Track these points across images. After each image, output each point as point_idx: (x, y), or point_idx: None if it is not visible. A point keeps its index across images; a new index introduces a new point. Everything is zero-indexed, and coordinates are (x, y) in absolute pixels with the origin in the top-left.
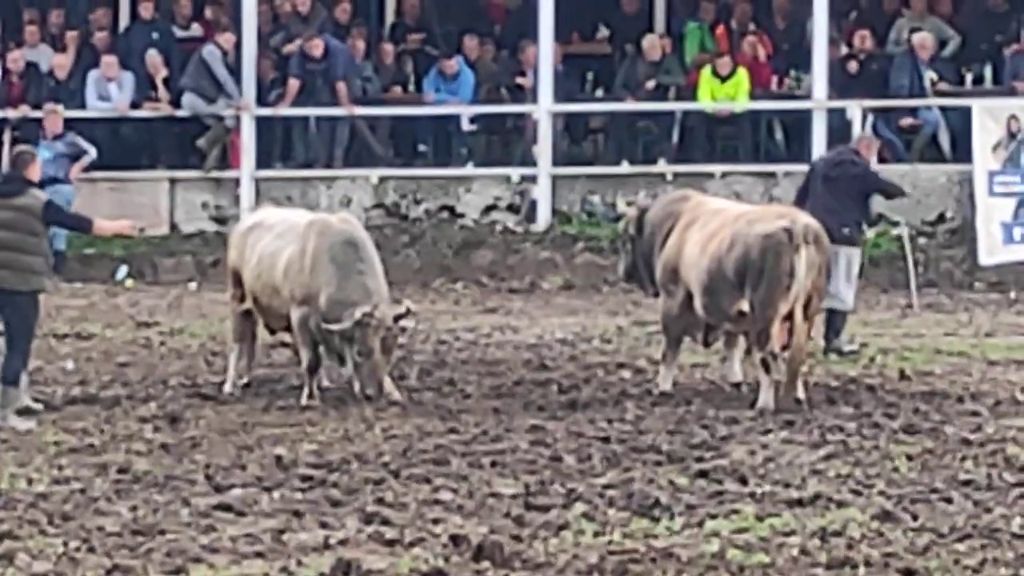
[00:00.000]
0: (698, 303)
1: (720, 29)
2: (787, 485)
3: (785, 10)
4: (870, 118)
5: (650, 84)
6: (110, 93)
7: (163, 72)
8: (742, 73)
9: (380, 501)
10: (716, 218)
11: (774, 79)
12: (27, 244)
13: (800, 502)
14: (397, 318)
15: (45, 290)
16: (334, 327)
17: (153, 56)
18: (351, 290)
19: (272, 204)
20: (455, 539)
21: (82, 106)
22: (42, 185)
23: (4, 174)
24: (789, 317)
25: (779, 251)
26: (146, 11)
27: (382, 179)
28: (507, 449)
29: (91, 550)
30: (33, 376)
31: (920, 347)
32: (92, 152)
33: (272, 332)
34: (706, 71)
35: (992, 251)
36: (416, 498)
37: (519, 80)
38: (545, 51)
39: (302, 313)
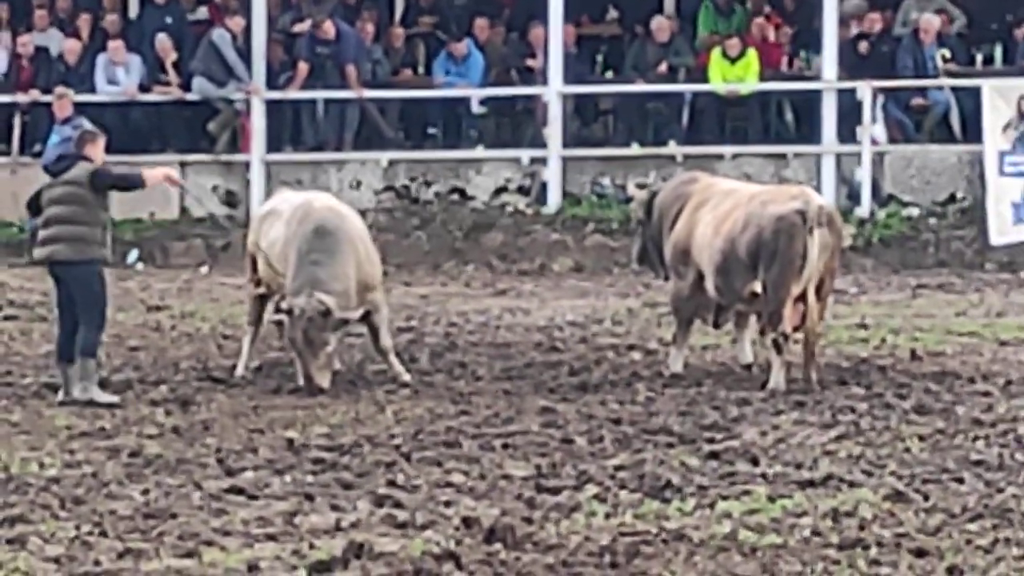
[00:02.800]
0: (710, 284)
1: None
2: (799, 466)
3: None
4: (880, 99)
5: (662, 67)
6: (118, 77)
7: (173, 56)
8: (752, 54)
9: (392, 484)
10: (729, 199)
11: (784, 60)
12: (77, 215)
13: (812, 483)
14: (324, 313)
15: (103, 260)
16: (272, 318)
17: (163, 40)
18: (300, 280)
19: (289, 188)
20: (467, 521)
21: (92, 90)
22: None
23: (59, 154)
24: (802, 298)
25: (792, 232)
26: None
27: (392, 162)
28: (518, 431)
29: (103, 534)
30: (45, 360)
31: (931, 327)
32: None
33: None
34: (716, 52)
35: (1002, 231)
36: (428, 480)
37: (529, 62)
38: (555, 33)
39: None
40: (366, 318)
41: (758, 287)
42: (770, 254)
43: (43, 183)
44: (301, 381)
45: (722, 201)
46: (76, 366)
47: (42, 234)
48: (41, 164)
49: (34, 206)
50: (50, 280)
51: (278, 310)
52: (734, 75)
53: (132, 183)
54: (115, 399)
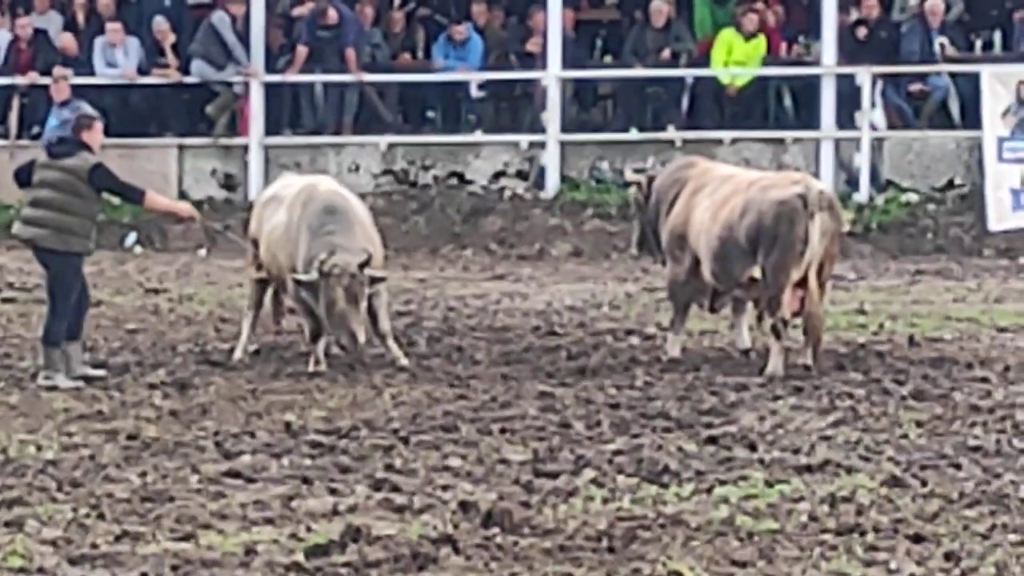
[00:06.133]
0: (707, 269)
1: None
2: (796, 451)
3: None
4: (879, 84)
5: (665, 53)
6: (117, 59)
7: (171, 38)
8: (762, 36)
9: (389, 467)
10: (727, 184)
11: (783, 45)
12: (70, 205)
13: (809, 468)
14: (361, 266)
15: (86, 252)
16: (302, 277)
17: (160, 22)
18: (318, 247)
19: (289, 172)
20: (464, 505)
21: (91, 73)
22: None
23: (60, 136)
24: (802, 284)
25: (793, 217)
26: None
27: (391, 146)
28: (516, 415)
29: (100, 516)
30: None
31: (929, 313)
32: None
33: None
34: (728, 30)
35: (1001, 217)
36: (425, 464)
37: (528, 46)
38: (554, 17)
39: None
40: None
41: (757, 272)
42: (771, 239)
43: (38, 158)
44: (343, 341)
45: (720, 187)
46: (40, 351)
47: (28, 212)
48: (41, 144)
49: (23, 176)
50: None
51: (320, 271)
52: (743, 52)
53: (131, 199)
54: (79, 384)
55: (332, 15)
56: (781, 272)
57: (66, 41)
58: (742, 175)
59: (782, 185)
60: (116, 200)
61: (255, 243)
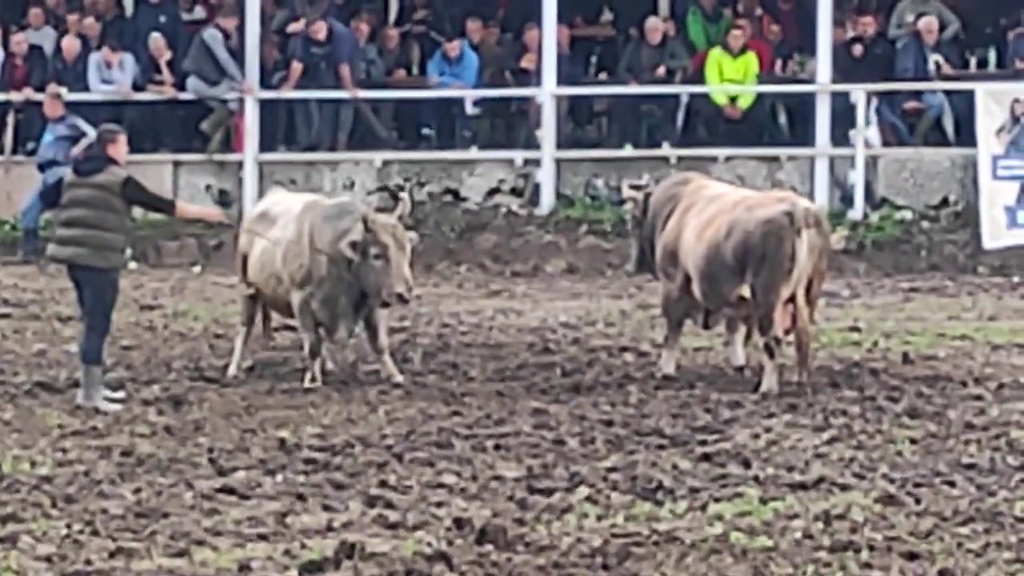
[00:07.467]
0: (696, 288)
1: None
2: (790, 468)
3: None
4: (874, 102)
5: (660, 70)
6: (112, 76)
7: (167, 55)
8: (751, 53)
9: (383, 484)
10: (712, 205)
11: (778, 63)
12: (105, 221)
13: (803, 485)
14: (399, 217)
15: (122, 267)
16: (349, 238)
17: (156, 39)
18: (345, 223)
19: (282, 187)
20: (458, 522)
21: (86, 89)
22: (43, 168)
23: (87, 152)
24: (791, 301)
25: (781, 235)
26: None
27: (386, 162)
28: (510, 432)
29: (95, 533)
30: (38, 359)
31: (923, 331)
32: (92, 134)
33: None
34: (716, 50)
35: (996, 235)
36: (419, 481)
37: (523, 63)
38: (549, 34)
39: (302, 296)
40: (366, 317)
41: (746, 291)
42: (759, 258)
43: (66, 177)
44: (399, 288)
45: (706, 207)
46: (81, 373)
47: (63, 233)
48: (35, 162)
49: (51, 197)
50: (44, 279)
51: (366, 227)
52: (734, 71)
53: (162, 210)
54: (117, 407)
55: (327, 31)
56: (771, 291)
57: (67, 46)
58: (729, 195)
59: (768, 204)
60: None
61: (245, 259)
